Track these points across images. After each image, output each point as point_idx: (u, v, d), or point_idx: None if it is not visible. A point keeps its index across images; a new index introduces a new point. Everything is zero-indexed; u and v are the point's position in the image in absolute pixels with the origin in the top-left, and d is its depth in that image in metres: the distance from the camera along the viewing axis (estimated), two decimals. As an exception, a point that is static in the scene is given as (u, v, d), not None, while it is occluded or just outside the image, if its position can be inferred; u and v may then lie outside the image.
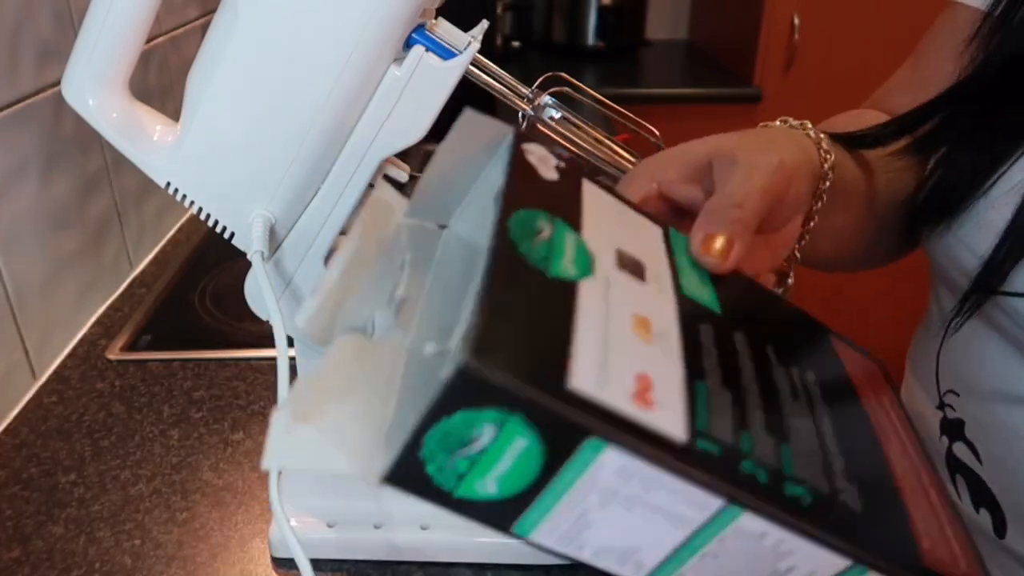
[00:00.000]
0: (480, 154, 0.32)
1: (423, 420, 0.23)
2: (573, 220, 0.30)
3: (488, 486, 0.25)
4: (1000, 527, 0.49)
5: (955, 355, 0.51)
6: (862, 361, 0.37)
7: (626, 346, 0.26)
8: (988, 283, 0.45)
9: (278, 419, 0.25)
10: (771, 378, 0.31)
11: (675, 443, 0.25)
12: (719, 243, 0.34)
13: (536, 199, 0.29)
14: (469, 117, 0.31)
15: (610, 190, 0.34)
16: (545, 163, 0.32)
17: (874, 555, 0.27)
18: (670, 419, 0.25)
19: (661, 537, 0.26)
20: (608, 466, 0.24)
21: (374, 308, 0.32)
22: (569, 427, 0.23)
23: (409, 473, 0.24)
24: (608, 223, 0.31)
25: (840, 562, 0.27)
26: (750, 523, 0.26)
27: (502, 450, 0.24)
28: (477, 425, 0.23)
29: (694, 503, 0.25)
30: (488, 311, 0.23)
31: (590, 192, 0.33)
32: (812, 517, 0.26)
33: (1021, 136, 0.45)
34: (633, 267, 0.30)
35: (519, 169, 0.30)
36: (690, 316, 0.30)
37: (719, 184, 0.38)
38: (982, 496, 0.50)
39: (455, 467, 0.24)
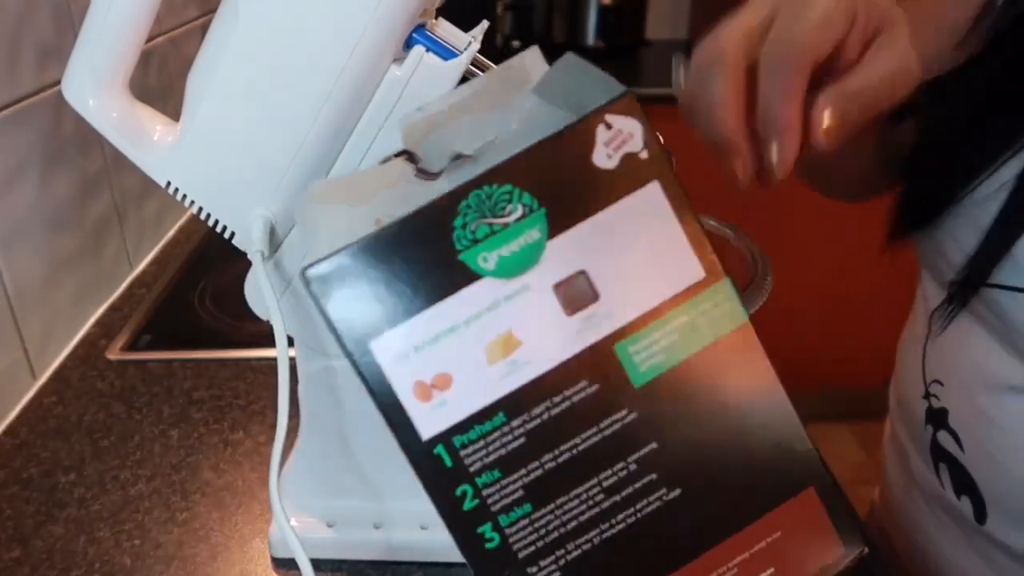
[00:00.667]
0: (574, 95, 0.31)
1: (488, 175, 0.29)
2: (562, 220, 0.30)
3: (489, 261, 0.29)
4: (980, 513, 0.50)
5: (940, 346, 0.52)
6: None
7: (461, 348, 0.29)
8: (975, 277, 0.46)
9: (314, 186, 0.30)
10: (599, 463, 0.31)
11: (415, 434, 0.29)
12: (826, 121, 0.31)
13: (535, 180, 0.29)
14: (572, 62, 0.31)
15: (682, 206, 0.31)
16: (615, 145, 0.30)
17: None
18: (429, 418, 0.29)
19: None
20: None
21: (460, 148, 0.33)
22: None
23: (440, 221, 0.29)
24: (612, 241, 0.30)
25: None
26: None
27: (518, 234, 0.29)
28: (514, 201, 0.29)
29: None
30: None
31: (640, 199, 0.30)
32: (483, 558, 0.30)
33: (1011, 136, 0.46)
34: (574, 297, 0.30)
35: (563, 141, 0.30)
36: (578, 365, 0.30)
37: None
38: (964, 483, 0.51)
39: (478, 230, 0.29)
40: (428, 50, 0.42)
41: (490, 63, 0.44)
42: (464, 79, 0.43)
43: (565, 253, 0.30)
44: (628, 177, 0.30)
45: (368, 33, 0.40)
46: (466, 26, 0.45)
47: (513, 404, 0.30)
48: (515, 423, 0.30)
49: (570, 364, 0.30)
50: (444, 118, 0.32)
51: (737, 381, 0.32)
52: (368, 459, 0.52)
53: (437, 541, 0.52)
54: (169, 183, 0.45)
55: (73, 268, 0.78)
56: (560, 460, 0.30)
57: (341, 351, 0.30)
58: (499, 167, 0.29)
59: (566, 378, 0.30)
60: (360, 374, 0.29)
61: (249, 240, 0.44)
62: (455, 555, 0.52)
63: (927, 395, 0.54)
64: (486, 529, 0.30)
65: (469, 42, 0.43)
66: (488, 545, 0.30)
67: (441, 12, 0.45)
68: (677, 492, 0.31)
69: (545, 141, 0.29)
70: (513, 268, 0.29)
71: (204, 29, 1.04)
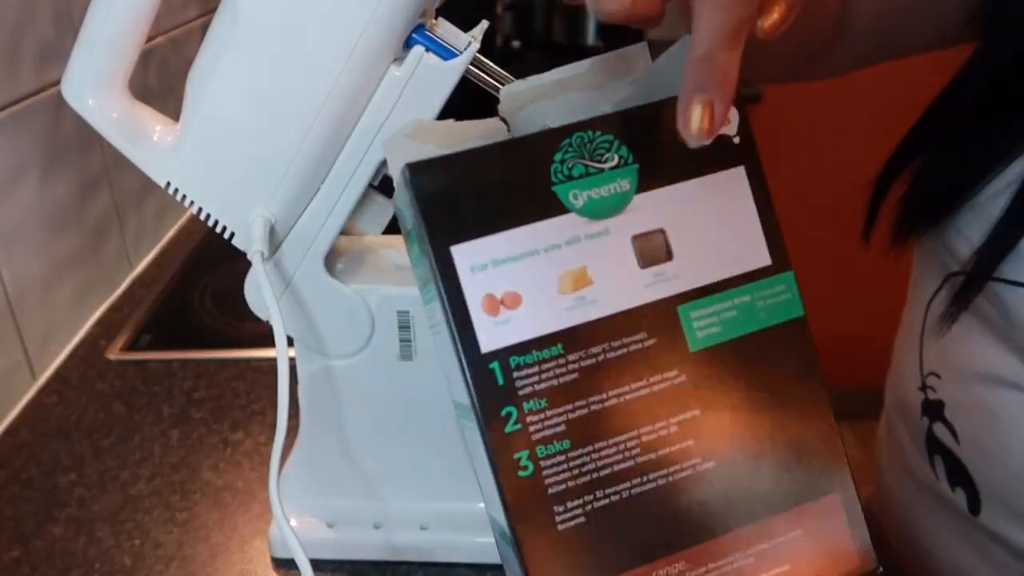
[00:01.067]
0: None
1: (593, 121, 0.31)
2: (651, 179, 0.32)
3: (579, 198, 0.31)
4: (975, 505, 0.51)
5: (938, 339, 0.53)
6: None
7: (536, 272, 0.30)
8: (981, 271, 0.47)
9: (410, 123, 0.32)
10: (642, 417, 0.32)
11: (475, 344, 0.30)
12: (696, 113, 0.29)
13: (634, 137, 0.31)
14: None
15: (762, 195, 0.33)
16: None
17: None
18: (492, 332, 0.29)
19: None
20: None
21: (550, 123, 0.35)
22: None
23: (541, 152, 0.31)
24: (693, 210, 0.32)
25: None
26: (469, 434, 0.32)
27: (610, 181, 0.31)
28: (612, 151, 0.31)
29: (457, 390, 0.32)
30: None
31: (725, 178, 0.32)
32: (515, 487, 0.30)
33: (1021, 132, 0.46)
34: (650, 251, 0.32)
35: (666, 110, 0.31)
36: (641, 316, 0.32)
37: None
38: (958, 475, 0.51)
39: (574, 169, 0.31)
40: (428, 50, 0.42)
41: (490, 63, 0.44)
42: (463, 80, 0.43)
43: (649, 209, 0.32)
44: (718, 156, 0.32)
45: (368, 33, 0.40)
46: (466, 26, 0.45)
47: (573, 338, 0.31)
48: (571, 357, 0.31)
49: (634, 313, 0.31)
50: (541, 94, 0.34)
51: (784, 370, 0.33)
52: (368, 459, 0.52)
53: (437, 541, 0.52)
54: (169, 183, 0.45)
55: (73, 268, 0.78)
56: (606, 404, 0.31)
57: (419, 250, 0.31)
58: (605, 117, 0.31)
59: (628, 326, 0.31)
60: (435, 276, 0.30)
61: (249, 240, 0.44)
62: (455, 555, 0.52)
63: (923, 387, 0.54)
64: (523, 456, 0.30)
65: (469, 42, 0.43)
66: (521, 473, 0.30)
67: (441, 12, 0.45)
68: (710, 464, 0.32)
69: (650, 105, 0.31)
70: (599, 211, 0.31)
71: (204, 29, 1.04)
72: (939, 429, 0.53)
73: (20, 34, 0.69)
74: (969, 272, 0.47)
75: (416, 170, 0.30)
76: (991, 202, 0.46)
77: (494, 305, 0.30)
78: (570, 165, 0.31)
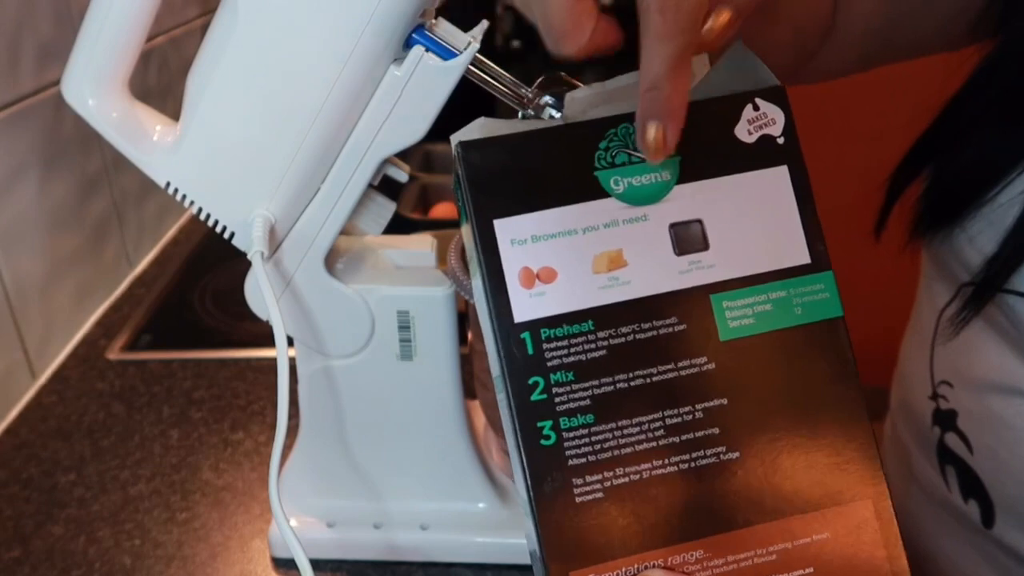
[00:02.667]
0: (738, 82, 0.34)
1: (628, 114, 0.32)
2: (693, 171, 0.33)
3: (619, 184, 0.32)
4: (988, 517, 0.50)
5: (950, 348, 0.52)
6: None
7: (573, 250, 0.32)
8: (992, 280, 0.46)
9: (475, 123, 0.33)
10: (667, 400, 0.32)
11: (509, 314, 0.31)
12: (651, 135, 0.30)
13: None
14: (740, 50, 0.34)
15: (805, 194, 0.33)
16: (758, 125, 0.34)
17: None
18: (526, 303, 0.31)
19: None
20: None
21: None
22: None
23: (587, 139, 0.32)
24: (732, 204, 0.33)
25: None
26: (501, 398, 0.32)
27: (652, 171, 0.32)
28: None
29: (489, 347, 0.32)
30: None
31: (768, 176, 0.33)
32: (536, 453, 0.31)
33: None
34: (686, 239, 0.32)
35: (713, 107, 0.33)
36: (673, 300, 0.32)
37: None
38: (971, 486, 0.51)
39: (617, 157, 0.32)
40: (428, 50, 0.42)
41: (490, 63, 0.44)
42: (463, 80, 0.43)
43: (688, 200, 0.32)
44: (762, 154, 0.33)
45: (368, 33, 0.40)
46: (466, 26, 0.45)
47: (604, 315, 0.32)
48: (601, 334, 0.32)
49: (666, 297, 0.32)
50: (603, 99, 0.34)
51: (818, 368, 0.33)
52: (368, 459, 0.52)
53: (437, 541, 0.52)
54: (169, 183, 0.45)
55: (73, 268, 0.78)
56: (632, 383, 0.31)
57: (464, 219, 0.32)
58: None
59: (659, 309, 0.32)
60: (477, 247, 0.32)
61: (249, 240, 0.44)
62: (455, 555, 0.52)
63: (935, 396, 0.53)
64: (546, 425, 0.31)
65: (469, 42, 0.43)
66: (543, 442, 0.31)
67: (441, 12, 0.45)
68: (735, 455, 0.32)
69: (698, 102, 0.32)
70: (640, 198, 0.32)
71: (204, 29, 1.04)
72: (952, 439, 0.52)
73: (20, 34, 0.69)
74: (980, 282, 0.47)
75: (467, 147, 0.32)
76: (1004, 211, 0.46)
77: (530, 278, 0.31)
78: (614, 153, 0.32)
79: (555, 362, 0.31)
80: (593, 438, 0.31)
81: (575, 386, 0.31)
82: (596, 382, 0.31)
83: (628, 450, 0.31)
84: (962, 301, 0.49)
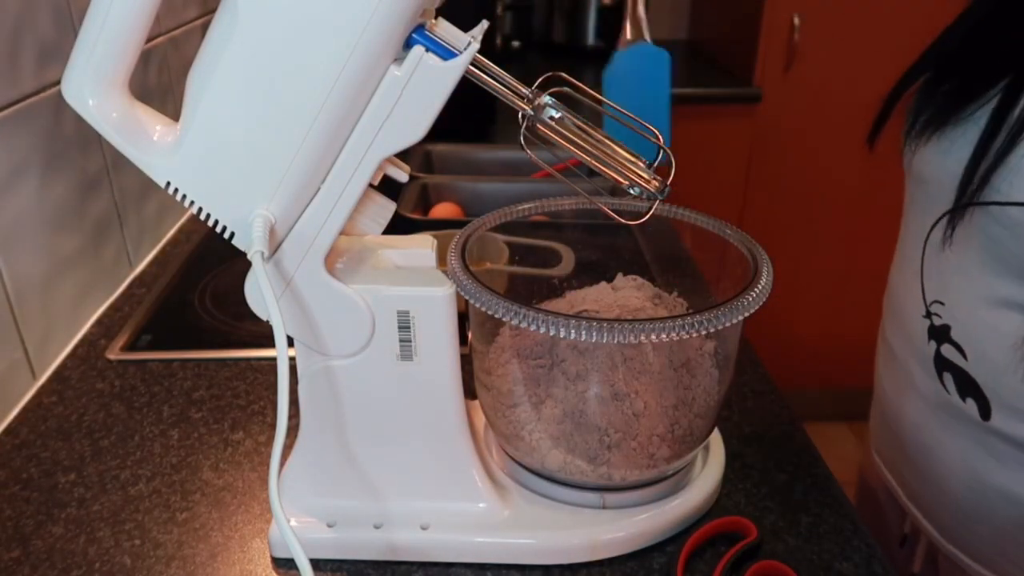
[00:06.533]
0: None
1: None
2: None
3: None
4: (985, 412, 0.57)
5: (939, 270, 0.59)
6: None
7: None
8: (968, 190, 0.53)
9: None
10: None
11: None
12: None
13: None
14: None
15: None
16: None
17: None
18: None
19: None
20: None
21: None
22: None
23: None
24: None
25: None
26: None
27: None
28: None
29: None
30: None
31: None
32: None
33: (1007, 63, 0.54)
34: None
35: None
36: None
37: None
38: (968, 388, 0.58)
39: None
40: (428, 50, 0.42)
41: (490, 63, 0.44)
42: (463, 80, 0.43)
43: None
44: None
45: (368, 33, 0.40)
46: (466, 26, 0.45)
47: None
48: None
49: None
50: None
51: None
52: (368, 459, 0.52)
53: (437, 541, 0.52)
54: (169, 183, 0.45)
55: (73, 268, 0.78)
56: None
57: None
58: None
59: None
60: None
61: (249, 240, 0.44)
62: (455, 555, 0.52)
63: (928, 315, 0.60)
64: None
65: (469, 42, 0.43)
66: None
67: (441, 12, 0.45)
68: None
69: None
70: None
71: (204, 29, 1.04)
72: (947, 350, 0.59)
73: (20, 34, 0.69)
74: (957, 198, 0.53)
75: None
76: (977, 122, 0.53)
77: None
78: None
79: None
80: None
81: None
82: None
83: None
84: (946, 224, 0.55)
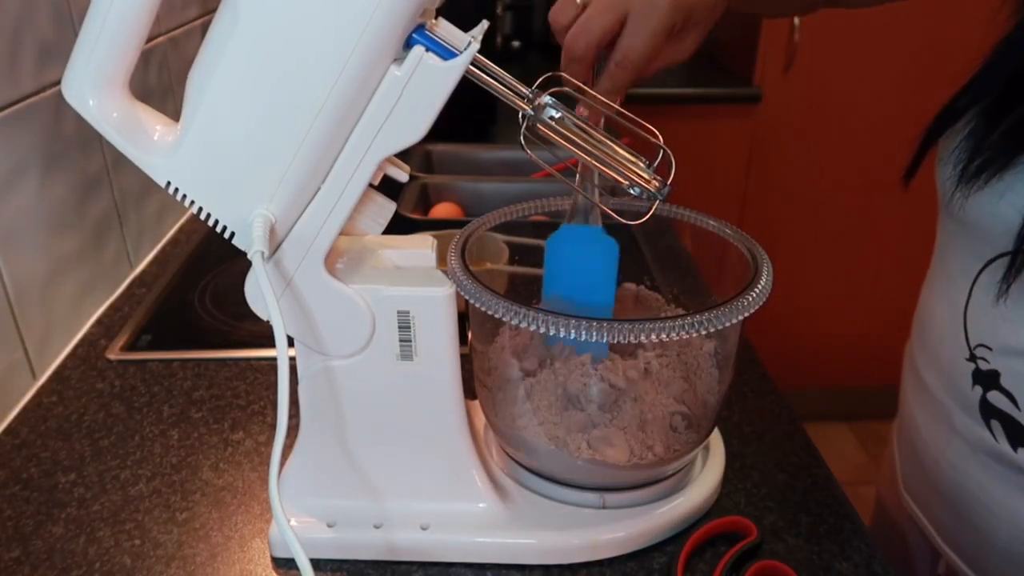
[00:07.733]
0: None
1: None
2: None
3: None
4: None
5: (985, 313, 0.55)
6: None
7: None
8: None
9: None
10: None
11: None
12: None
13: None
14: None
15: None
16: None
17: None
18: None
19: None
20: None
21: None
22: None
23: None
24: None
25: None
26: None
27: None
28: None
29: None
30: None
31: None
32: None
33: None
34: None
35: None
36: None
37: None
38: (1020, 437, 0.54)
39: None
40: (428, 50, 0.42)
41: (490, 63, 0.44)
42: (463, 80, 0.43)
43: None
44: None
45: (368, 33, 0.40)
46: (466, 26, 0.45)
47: None
48: None
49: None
50: None
51: None
52: (368, 459, 0.52)
53: (437, 541, 0.52)
54: (169, 183, 0.45)
55: (73, 268, 0.78)
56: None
57: None
58: None
59: None
60: None
61: (249, 240, 0.44)
62: (455, 555, 0.52)
63: (973, 358, 0.56)
64: None
65: (469, 42, 0.43)
66: None
67: (441, 12, 0.45)
68: None
69: None
70: None
71: (204, 29, 1.04)
72: (995, 397, 0.55)
73: (20, 34, 0.69)
74: (1015, 250, 0.49)
75: None
76: None
77: None
78: None
79: None
80: None
81: None
82: None
83: None
84: (1000, 271, 0.51)
